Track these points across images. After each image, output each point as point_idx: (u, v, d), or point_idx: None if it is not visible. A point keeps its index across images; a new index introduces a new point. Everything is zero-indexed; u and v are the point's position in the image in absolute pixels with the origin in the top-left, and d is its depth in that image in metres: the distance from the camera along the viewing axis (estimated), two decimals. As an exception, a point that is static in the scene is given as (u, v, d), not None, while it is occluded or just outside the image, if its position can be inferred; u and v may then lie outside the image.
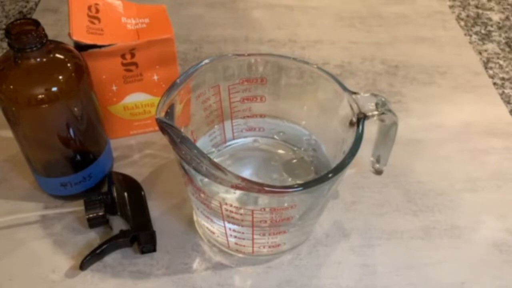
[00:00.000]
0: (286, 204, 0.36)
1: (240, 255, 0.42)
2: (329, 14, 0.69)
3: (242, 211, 0.36)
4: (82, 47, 0.43)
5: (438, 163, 0.50)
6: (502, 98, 0.57)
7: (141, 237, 0.42)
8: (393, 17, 0.68)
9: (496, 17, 0.70)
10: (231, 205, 0.36)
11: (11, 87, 0.38)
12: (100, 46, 0.43)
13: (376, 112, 0.38)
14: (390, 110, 0.38)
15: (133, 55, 0.45)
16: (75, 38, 0.43)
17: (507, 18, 0.70)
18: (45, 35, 0.37)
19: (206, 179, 0.34)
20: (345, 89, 0.39)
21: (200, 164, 0.33)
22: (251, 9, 0.68)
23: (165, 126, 0.34)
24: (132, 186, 0.46)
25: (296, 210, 0.37)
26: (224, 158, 0.45)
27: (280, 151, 0.45)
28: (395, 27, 0.67)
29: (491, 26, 0.68)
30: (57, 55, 0.39)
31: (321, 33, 0.65)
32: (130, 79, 0.47)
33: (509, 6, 0.72)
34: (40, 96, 0.38)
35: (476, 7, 0.72)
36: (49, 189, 0.45)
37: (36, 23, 0.37)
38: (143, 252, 0.42)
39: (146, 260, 0.42)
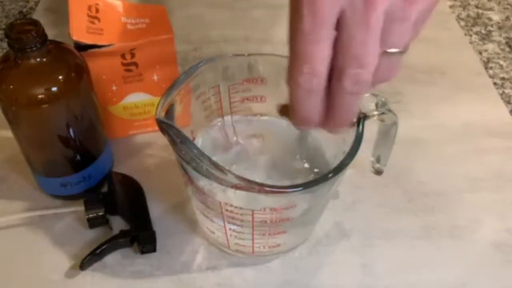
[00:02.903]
0: (286, 204, 0.36)
1: (240, 255, 0.42)
2: (329, 14, 0.69)
3: (242, 211, 0.36)
4: (82, 47, 0.43)
5: (438, 163, 0.50)
6: (502, 98, 0.57)
7: (141, 237, 0.42)
8: (393, 17, 0.68)
9: (496, 17, 0.70)
10: (231, 205, 0.36)
11: (11, 87, 0.38)
12: (100, 46, 0.43)
13: (376, 112, 0.38)
14: (390, 110, 0.38)
15: (133, 55, 0.45)
16: (75, 38, 0.43)
17: (507, 18, 0.70)
18: (45, 35, 0.37)
19: (206, 179, 0.34)
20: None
21: (200, 164, 0.33)
22: (251, 9, 0.68)
23: (165, 126, 0.34)
24: (132, 186, 0.46)
25: (296, 210, 0.37)
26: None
27: (280, 151, 0.45)
28: (395, 27, 0.67)
29: (491, 26, 0.68)
30: (57, 55, 0.39)
31: (321, 33, 0.65)
32: (130, 79, 0.47)
33: (509, 6, 0.72)
34: (40, 96, 0.38)
35: (476, 7, 0.72)
36: (49, 189, 0.45)
37: (36, 23, 0.37)
38: (143, 252, 0.42)
39: (146, 260, 0.42)
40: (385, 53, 0.29)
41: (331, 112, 0.32)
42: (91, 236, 0.43)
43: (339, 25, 0.28)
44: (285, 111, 0.34)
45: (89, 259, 0.41)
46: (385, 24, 0.28)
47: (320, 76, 0.29)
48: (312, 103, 0.31)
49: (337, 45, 0.29)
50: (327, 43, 0.29)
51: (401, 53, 0.30)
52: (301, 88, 0.30)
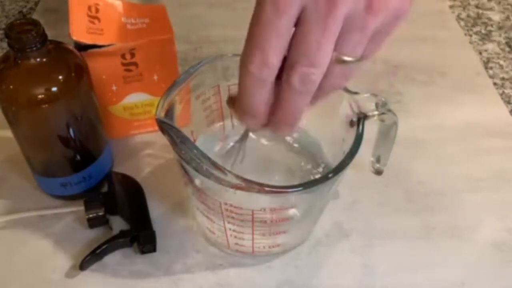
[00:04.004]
0: (286, 204, 0.36)
1: (240, 255, 0.42)
2: (329, 14, 0.69)
3: (242, 211, 0.36)
4: (82, 47, 0.43)
5: (438, 163, 0.50)
6: (502, 98, 0.57)
7: (141, 237, 0.42)
8: (393, 17, 0.68)
9: (496, 17, 0.70)
10: (231, 205, 0.36)
11: (11, 87, 0.38)
12: (100, 46, 0.43)
13: (376, 112, 0.38)
14: (390, 110, 0.38)
15: (133, 55, 0.45)
16: (75, 38, 0.43)
17: (507, 18, 0.70)
18: (45, 35, 0.37)
19: (206, 179, 0.34)
20: (345, 89, 0.39)
21: (200, 164, 0.33)
22: (251, 9, 0.68)
23: (165, 126, 0.34)
24: (132, 186, 0.46)
25: (296, 210, 0.37)
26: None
27: (280, 151, 0.45)
28: (395, 27, 0.67)
29: (491, 26, 0.68)
30: (57, 55, 0.39)
31: (321, 33, 0.65)
32: (130, 79, 0.47)
33: (509, 6, 0.72)
34: (40, 96, 0.38)
35: (476, 7, 0.72)
36: (49, 189, 0.45)
37: (36, 23, 0.37)
38: (143, 252, 0.42)
39: (146, 260, 0.42)
40: (339, 60, 0.29)
41: (276, 108, 0.31)
42: (91, 236, 0.43)
43: (298, 21, 0.28)
44: (232, 102, 0.33)
45: (89, 259, 0.41)
46: (343, 29, 0.28)
47: (271, 68, 0.29)
48: (259, 93, 0.30)
49: (293, 40, 0.29)
50: (284, 34, 0.28)
51: (356, 62, 0.30)
52: (250, 76, 0.30)
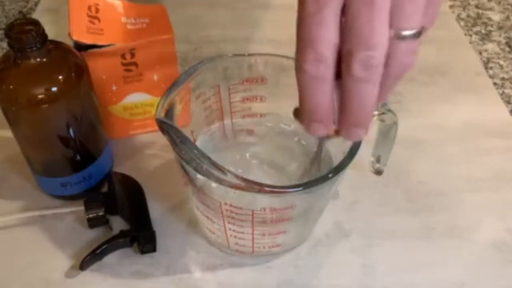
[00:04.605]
0: (286, 204, 0.36)
1: (240, 255, 0.42)
2: (329, 14, 0.69)
3: (242, 211, 0.36)
4: (82, 47, 0.43)
5: (438, 163, 0.50)
6: (502, 98, 0.57)
7: (141, 237, 0.42)
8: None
9: (496, 17, 0.70)
10: (231, 205, 0.36)
11: (11, 87, 0.38)
12: (100, 46, 0.43)
13: (376, 112, 0.38)
14: (390, 110, 0.38)
15: (133, 55, 0.45)
16: (75, 38, 0.43)
17: (507, 18, 0.70)
18: (45, 35, 0.37)
19: (206, 179, 0.34)
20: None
21: (200, 164, 0.33)
22: (251, 9, 0.68)
23: (165, 126, 0.34)
24: (132, 186, 0.46)
25: (296, 210, 0.37)
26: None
27: (280, 152, 0.45)
28: (395, 27, 0.66)
29: (491, 26, 0.68)
30: (57, 55, 0.39)
31: (321, 33, 0.65)
32: (130, 79, 0.47)
33: (509, 6, 0.72)
34: (40, 96, 0.38)
35: (476, 7, 0.72)
36: (49, 189, 0.45)
37: (36, 23, 0.37)
38: (143, 252, 0.42)
39: (146, 260, 0.42)
40: (398, 37, 0.27)
41: (343, 107, 0.29)
42: (91, 236, 0.43)
43: (344, 7, 0.27)
44: (298, 112, 0.32)
45: (89, 259, 0.41)
46: (393, 2, 0.27)
47: (327, 62, 0.28)
48: (320, 93, 0.29)
49: (344, 30, 0.27)
50: (333, 25, 0.27)
51: (416, 35, 0.28)
52: (307, 75, 0.28)
